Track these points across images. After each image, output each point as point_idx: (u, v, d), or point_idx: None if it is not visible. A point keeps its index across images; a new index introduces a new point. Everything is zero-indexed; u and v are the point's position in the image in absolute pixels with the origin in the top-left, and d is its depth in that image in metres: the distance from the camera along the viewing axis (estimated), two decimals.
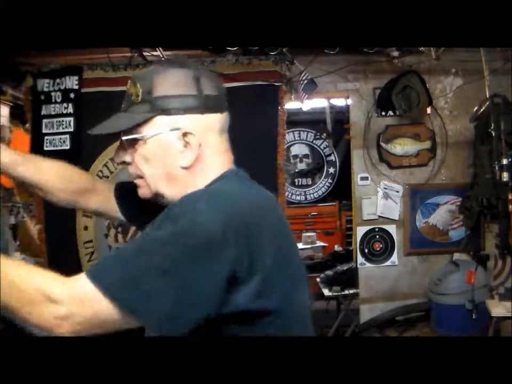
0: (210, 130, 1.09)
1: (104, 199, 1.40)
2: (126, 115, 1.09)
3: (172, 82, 1.07)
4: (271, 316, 0.98)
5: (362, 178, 3.69)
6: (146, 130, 1.08)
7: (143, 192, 1.13)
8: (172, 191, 1.10)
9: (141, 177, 1.12)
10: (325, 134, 6.61)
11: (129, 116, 1.08)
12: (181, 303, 0.88)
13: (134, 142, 1.09)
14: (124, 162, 1.14)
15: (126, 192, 1.36)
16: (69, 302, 0.88)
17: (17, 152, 1.35)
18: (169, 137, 1.07)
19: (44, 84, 3.29)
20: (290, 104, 3.74)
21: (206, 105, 1.08)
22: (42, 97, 3.30)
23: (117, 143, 1.13)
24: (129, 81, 1.11)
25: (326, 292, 4.37)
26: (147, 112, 1.07)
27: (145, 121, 1.07)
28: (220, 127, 1.11)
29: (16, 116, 3.68)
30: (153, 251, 0.89)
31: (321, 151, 6.83)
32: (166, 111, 1.06)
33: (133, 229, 3.40)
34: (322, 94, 3.79)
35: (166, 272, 0.88)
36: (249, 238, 0.94)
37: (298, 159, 6.83)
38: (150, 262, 0.88)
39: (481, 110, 3.29)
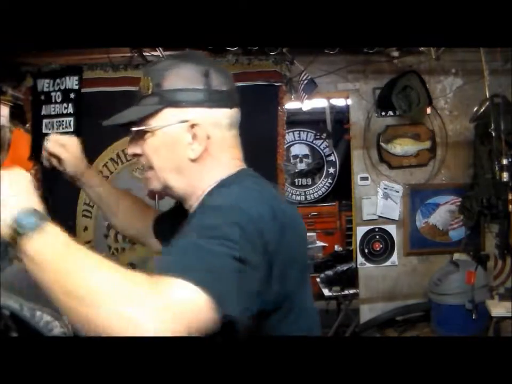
0: (218, 124, 1.12)
1: (146, 227, 1.48)
2: (137, 108, 1.13)
3: (181, 76, 1.10)
4: (282, 311, 1.01)
5: (362, 179, 3.69)
6: (156, 122, 1.10)
7: (153, 184, 1.16)
8: (180, 183, 1.13)
9: (151, 168, 1.15)
10: (325, 134, 6.61)
11: (140, 108, 1.12)
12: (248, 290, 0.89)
13: (144, 133, 1.12)
14: (135, 155, 1.17)
15: (164, 224, 1.42)
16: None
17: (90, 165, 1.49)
18: (178, 129, 1.10)
19: (44, 84, 3.29)
20: (290, 104, 3.74)
21: (214, 100, 1.10)
22: (42, 97, 3.29)
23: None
24: (142, 74, 1.15)
25: (326, 292, 4.37)
26: (156, 104, 1.10)
27: (155, 113, 1.10)
28: (229, 122, 1.13)
29: (16, 116, 3.67)
30: (212, 236, 0.87)
31: (321, 151, 6.83)
32: (174, 104, 1.09)
33: None
34: (322, 94, 3.79)
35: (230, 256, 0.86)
36: (273, 238, 0.95)
37: (298, 159, 6.83)
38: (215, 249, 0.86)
39: (481, 110, 3.29)
